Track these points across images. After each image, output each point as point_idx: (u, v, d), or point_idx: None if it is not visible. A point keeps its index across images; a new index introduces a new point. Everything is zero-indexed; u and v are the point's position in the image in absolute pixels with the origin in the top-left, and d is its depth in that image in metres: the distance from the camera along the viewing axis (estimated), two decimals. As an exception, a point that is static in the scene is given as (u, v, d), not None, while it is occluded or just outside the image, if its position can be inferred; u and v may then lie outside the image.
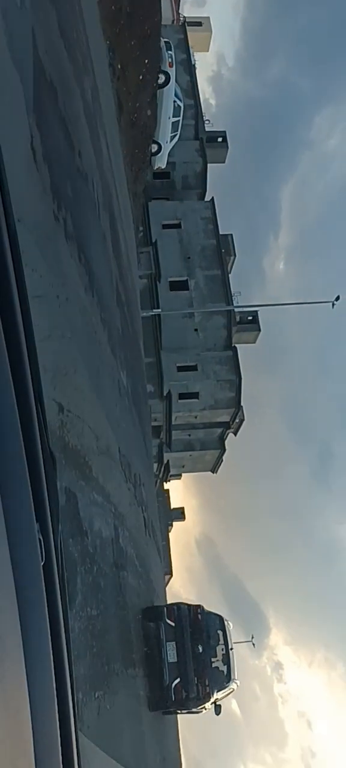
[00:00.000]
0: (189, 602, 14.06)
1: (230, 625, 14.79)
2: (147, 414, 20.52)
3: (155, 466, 43.88)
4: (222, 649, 14.01)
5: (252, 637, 54.58)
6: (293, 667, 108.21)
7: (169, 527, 79.92)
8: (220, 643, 14.06)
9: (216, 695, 13.78)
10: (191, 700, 13.34)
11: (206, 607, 14.08)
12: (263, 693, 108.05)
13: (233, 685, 14.39)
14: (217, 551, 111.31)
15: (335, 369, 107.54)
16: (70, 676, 1.49)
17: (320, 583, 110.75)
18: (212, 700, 13.75)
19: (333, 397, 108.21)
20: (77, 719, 1.53)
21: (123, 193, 19.12)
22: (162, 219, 46.46)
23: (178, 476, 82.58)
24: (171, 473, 55.17)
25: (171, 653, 12.88)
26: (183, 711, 14.52)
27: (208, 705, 13.92)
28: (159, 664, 12.56)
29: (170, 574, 78.87)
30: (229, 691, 14.64)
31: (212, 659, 13.75)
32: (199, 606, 13.96)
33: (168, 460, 45.56)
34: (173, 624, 13.07)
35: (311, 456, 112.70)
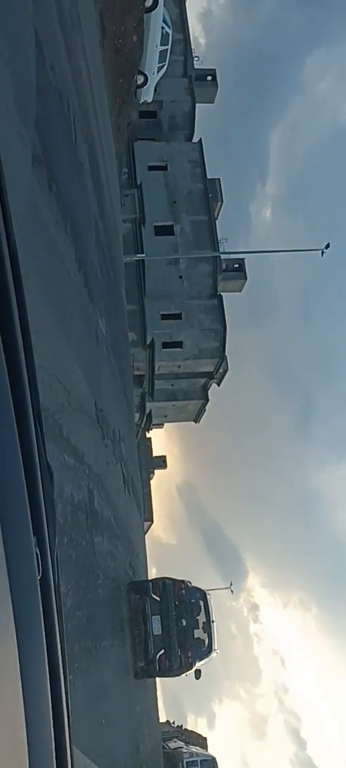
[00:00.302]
0: (174, 577, 14.69)
1: (212, 599, 15.69)
2: (128, 363, 19.59)
3: (137, 416, 43.13)
4: (204, 622, 14.83)
5: (231, 584, 55.79)
6: (269, 609, 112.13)
7: (151, 475, 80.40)
8: (202, 616, 14.94)
9: (197, 664, 14.67)
10: (174, 670, 14.19)
11: (188, 574, 15.77)
12: (240, 632, 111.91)
13: (213, 654, 15.27)
14: (198, 498, 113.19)
15: (321, 320, 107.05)
16: (66, 689, 1.49)
17: (297, 530, 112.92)
18: (194, 669, 14.62)
19: (317, 348, 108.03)
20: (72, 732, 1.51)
21: (105, 125, 17.76)
22: (148, 160, 44.69)
23: (160, 425, 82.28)
24: (153, 423, 54.62)
25: (156, 626, 13.64)
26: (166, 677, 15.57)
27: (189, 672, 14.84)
28: (144, 636, 13.27)
29: (151, 520, 79.90)
30: (209, 659, 15.49)
31: (195, 631, 14.53)
32: (183, 581, 14.67)
33: (150, 410, 44.81)
34: (158, 599, 13.80)
35: (293, 407, 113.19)
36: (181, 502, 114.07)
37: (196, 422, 51.42)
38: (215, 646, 15.19)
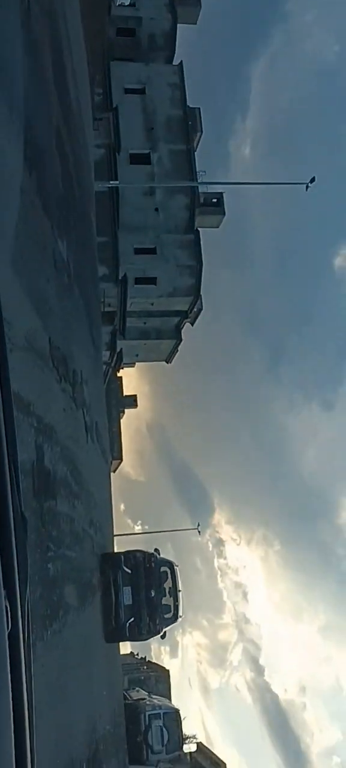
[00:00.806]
0: (144, 550, 15.94)
1: (178, 569, 16.93)
2: (96, 298, 17.87)
3: (107, 354, 41.39)
4: (170, 587, 15.90)
5: (198, 525, 55.92)
6: (233, 545, 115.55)
7: (121, 414, 79.45)
8: (169, 586, 15.99)
9: (164, 629, 15.83)
10: (143, 635, 15.57)
11: (155, 545, 16.61)
12: (204, 566, 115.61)
13: (179, 620, 16.37)
14: (167, 436, 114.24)
15: (297, 262, 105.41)
16: (31, 747, 1.47)
17: (263, 469, 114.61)
18: (161, 634, 15.83)
19: (292, 290, 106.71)
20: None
21: (74, 22, 15.59)
22: (124, 82, 41.77)
23: (131, 365, 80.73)
24: (124, 362, 53.10)
25: (127, 597, 14.48)
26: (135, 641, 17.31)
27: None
28: (115, 606, 14.11)
29: (120, 459, 79.38)
30: (175, 624, 16.74)
31: (163, 599, 15.57)
32: (153, 554, 15.82)
33: (121, 349, 43.06)
34: (129, 571, 14.59)
35: (264, 349, 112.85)
36: (151, 440, 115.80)
37: (168, 362, 49.95)
38: (181, 612, 16.23)
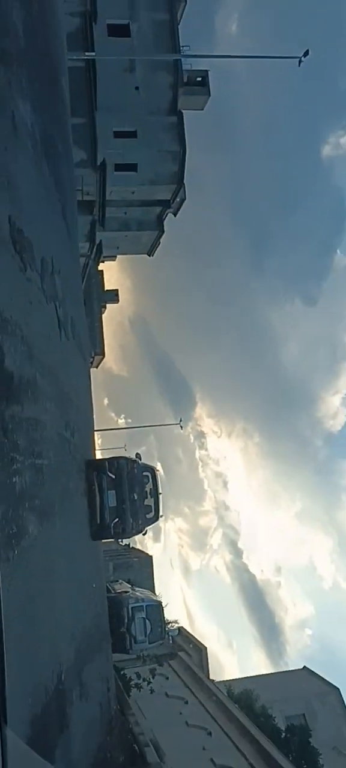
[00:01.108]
0: (127, 456, 17.22)
1: (160, 473, 18.44)
2: (71, 180, 16.29)
3: (86, 246, 39.55)
4: (151, 489, 17.08)
5: (180, 420, 56.31)
6: (214, 437, 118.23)
7: (103, 309, 77.89)
8: (151, 488, 17.25)
9: (146, 528, 17.35)
10: (126, 533, 16.99)
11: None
12: (186, 457, 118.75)
13: (159, 520, 17.83)
14: (150, 331, 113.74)
15: (286, 147, 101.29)
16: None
17: (245, 363, 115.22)
18: (143, 532, 17.42)
19: (279, 178, 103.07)
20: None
21: None
22: None
23: (112, 258, 78.63)
24: (105, 255, 51.20)
25: (111, 500, 15.51)
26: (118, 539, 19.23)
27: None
28: (101, 508, 15.06)
29: (103, 354, 78.58)
30: (155, 524, 18.13)
31: (145, 501, 16.82)
32: (135, 461, 17.02)
33: (101, 240, 41.14)
34: (113, 476, 15.70)
35: (249, 241, 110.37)
36: (133, 335, 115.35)
37: (150, 255, 48.12)
38: (161, 512, 17.73)
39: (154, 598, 21.98)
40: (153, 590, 70.39)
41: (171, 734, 17.08)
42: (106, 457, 17.30)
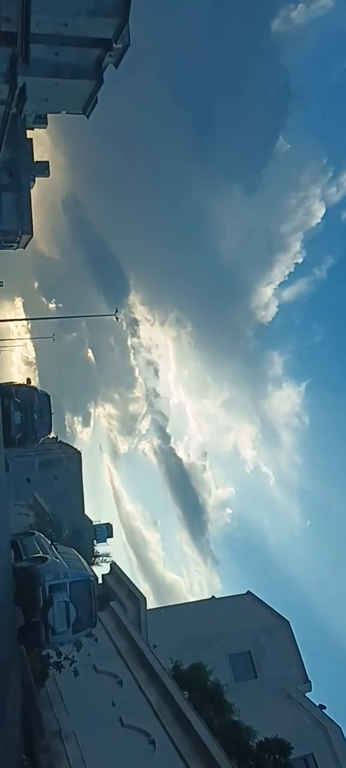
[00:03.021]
0: (29, 384, 26.42)
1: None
2: None
3: (5, 89, 31.81)
4: (43, 411, 25.64)
5: (116, 311, 52.83)
6: (147, 325, 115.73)
7: (32, 183, 70.51)
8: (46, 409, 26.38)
9: (42, 438, 28.26)
10: (28, 445, 27.18)
11: None
12: (118, 345, 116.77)
13: (52, 433, 31.28)
14: (83, 213, 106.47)
15: (235, 19, 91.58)
16: None
17: (181, 251, 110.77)
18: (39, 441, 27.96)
19: (227, 54, 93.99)
20: None
21: None
22: None
23: (42, 123, 70.03)
24: (32, 111, 43.28)
25: (17, 418, 23.14)
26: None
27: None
28: (9, 424, 21.82)
29: (31, 234, 71.77)
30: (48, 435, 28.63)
31: (35, 415, 24.85)
32: (36, 389, 25.90)
33: (24, 84, 33.22)
34: (19, 400, 23.27)
35: (192, 122, 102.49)
36: (65, 217, 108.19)
37: (85, 115, 40.47)
38: (52, 428, 27.46)
39: (83, 569, 15.71)
40: (80, 489, 66.11)
41: (101, 738, 12.64)
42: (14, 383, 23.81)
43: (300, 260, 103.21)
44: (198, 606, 30.72)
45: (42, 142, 74.39)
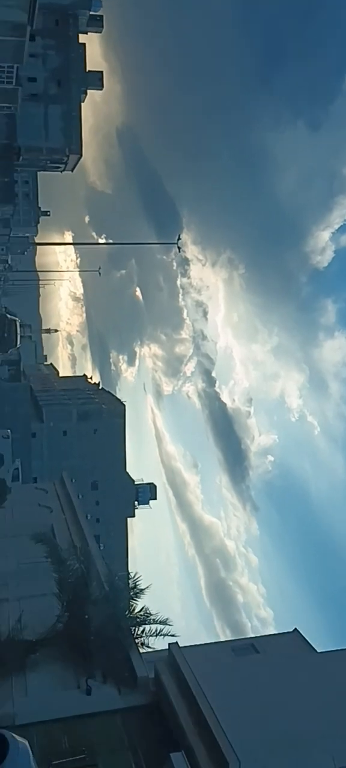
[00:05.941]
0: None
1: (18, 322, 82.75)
2: None
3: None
4: (14, 331, 78.97)
5: (178, 238, 50.02)
6: (199, 265, 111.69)
7: (83, 95, 63.98)
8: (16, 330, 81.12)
9: (10, 350, 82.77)
10: None
11: None
12: (167, 284, 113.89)
13: (18, 346, 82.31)
14: (139, 146, 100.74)
15: None
16: None
17: (237, 190, 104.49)
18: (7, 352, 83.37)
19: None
20: None
21: None
22: None
23: (98, 25, 62.33)
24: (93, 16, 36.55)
25: None
26: None
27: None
28: None
29: (79, 153, 68.54)
30: (14, 348, 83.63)
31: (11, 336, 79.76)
32: (6, 314, 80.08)
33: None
34: None
35: (258, 50, 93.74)
36: (120, 149, 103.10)
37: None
38: (18, 344, 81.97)
39: None
40: (122, 445, 60.80)
41: None
42: None
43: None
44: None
45: (94, 42, 65.89)
